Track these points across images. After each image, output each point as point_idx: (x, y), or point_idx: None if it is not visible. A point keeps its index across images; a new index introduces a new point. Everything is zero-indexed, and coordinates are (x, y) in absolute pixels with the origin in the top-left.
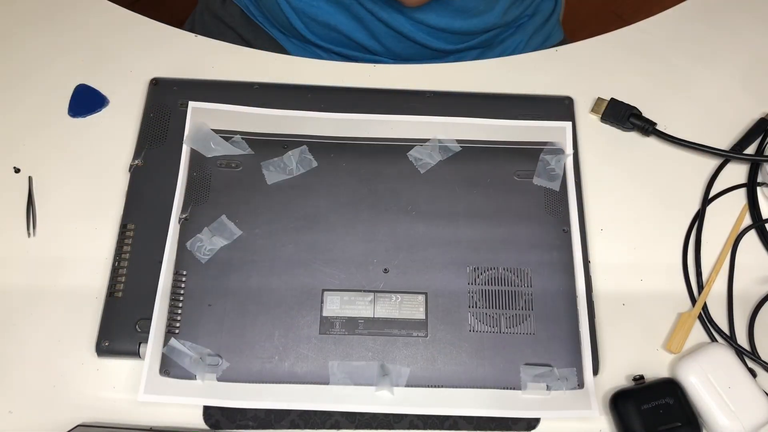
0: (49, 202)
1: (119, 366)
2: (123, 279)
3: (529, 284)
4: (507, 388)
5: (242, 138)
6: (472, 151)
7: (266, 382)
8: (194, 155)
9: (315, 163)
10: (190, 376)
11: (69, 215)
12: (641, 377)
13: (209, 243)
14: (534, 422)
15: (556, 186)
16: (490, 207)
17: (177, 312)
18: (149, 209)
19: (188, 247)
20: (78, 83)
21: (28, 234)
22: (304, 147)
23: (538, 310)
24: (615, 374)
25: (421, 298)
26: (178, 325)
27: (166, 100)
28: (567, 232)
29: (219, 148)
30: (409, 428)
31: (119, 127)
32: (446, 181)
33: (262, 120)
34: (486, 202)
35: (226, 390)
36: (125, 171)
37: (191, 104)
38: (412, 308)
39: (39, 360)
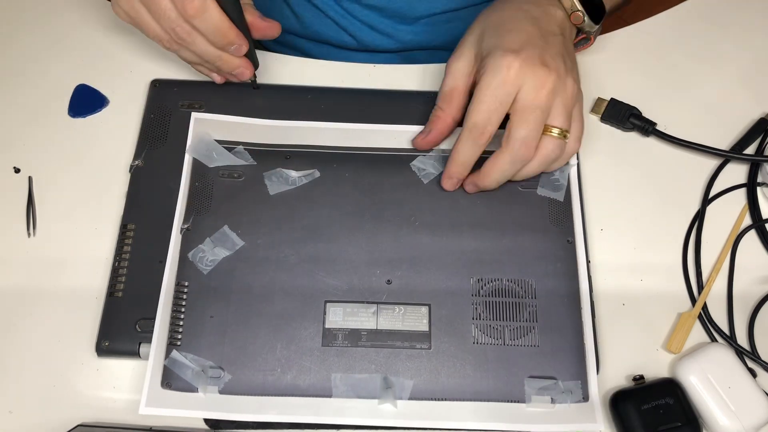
0: (49, 202)
1: (119, 366)
2: (123, 279)
3: (533, 296)
4: (511, 401)
5: (244, 148)
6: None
7: (268, 395)
8: (196, 165)
9: (317, 174)
10: (192, 389)
11: (69, 215)
12: (641, 377)
13: (211, 254)
14: None
15: (560, 196)
16: (494, 217)
17: (179, 323)
18: (149, 209)
19: (190, 257)
20: (78, 83)
21: (28, 234)
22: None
23: (542, 321)
24: (615, 374)
25: (424, 309)
26: (179, 336)
27: (167, 101)
28: (571, 243)
29: (221, 159)
30: None
31: (119, 127)
32: (449, 191)
33: (265, 130)
34: (489, 212)
35: (228, 402)
36: (125, 171)
37: (194, 115)
38: (416, 320)
39: (39, 360)
